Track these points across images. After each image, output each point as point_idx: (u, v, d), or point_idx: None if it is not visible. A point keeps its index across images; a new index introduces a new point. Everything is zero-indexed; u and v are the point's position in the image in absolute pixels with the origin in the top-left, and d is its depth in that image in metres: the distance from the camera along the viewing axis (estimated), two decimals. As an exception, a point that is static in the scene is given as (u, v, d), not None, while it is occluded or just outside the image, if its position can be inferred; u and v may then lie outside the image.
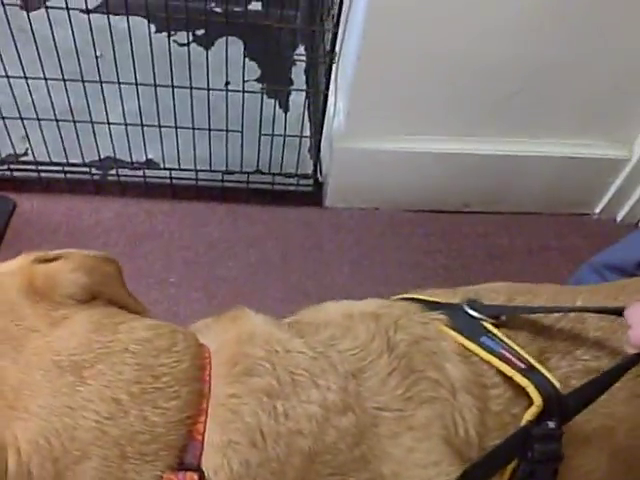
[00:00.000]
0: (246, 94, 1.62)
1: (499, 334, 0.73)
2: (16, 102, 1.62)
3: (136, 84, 1.58)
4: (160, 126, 1.66)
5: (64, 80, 1.57)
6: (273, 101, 1.91)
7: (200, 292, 1.62)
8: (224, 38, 2.01)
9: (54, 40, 1.51)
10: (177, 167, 1.76)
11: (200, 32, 2.09)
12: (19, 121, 1.66)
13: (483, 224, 1.86)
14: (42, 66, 1.55)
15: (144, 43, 1.56)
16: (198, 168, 1.76)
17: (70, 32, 1.50)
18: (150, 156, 1.80)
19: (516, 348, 0.72)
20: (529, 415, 0.67)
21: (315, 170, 1.84)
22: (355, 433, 0.63)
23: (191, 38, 2.03)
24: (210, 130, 1.67)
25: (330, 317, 0.74)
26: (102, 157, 1.77)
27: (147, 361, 0.61)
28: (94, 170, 1.78)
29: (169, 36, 2.00)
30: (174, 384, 0.61)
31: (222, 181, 1.79)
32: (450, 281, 1.74)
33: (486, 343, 0.72)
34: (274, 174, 1.79)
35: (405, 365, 0.68)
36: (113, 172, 1.78)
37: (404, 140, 1.70)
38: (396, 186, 1.81)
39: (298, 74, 2.08)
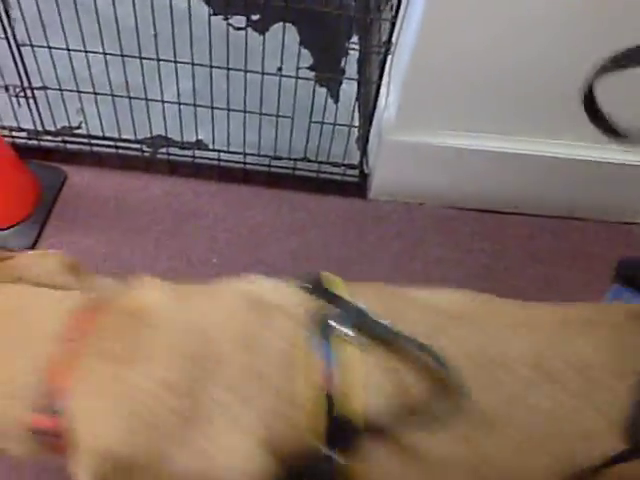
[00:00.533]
0: (298, 81, 1.62)
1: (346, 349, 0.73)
2: (74, 75, 1.66)
3: (192, 64, 1.60)
4: (212, 107, 1.68)
5: (122, 56, 1.60)
6: (324, 90, 1.91)
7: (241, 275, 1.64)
8: (278, 24, 2.01)
9: (116, 16, 1.54)
10: (226, 149, 1.78)
11: (255, 17, 2.10)
12: (75, 94, 1.70)
13: (529, 226, 1.83)
14: (102, 41, 1.57)
15: (201, 25, 1.57)
16: (247, 152, 1.77)
17: (129, 9, 1.53)
18: (200, 137, 1.82)
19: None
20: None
21: (361, 161, 1.84)
22: (181, 419, 0.69)
23: (246, 23, 2.04)
24: (261, 114, 1.68)
25: (230, 296, 0.80)
26: (154, 135, 1.80)
27: (22, 317, 0.74)
28: (145, 147, 1.81)
29: (226, 19, 2.02)
30: (42, 339, 0.72)
31: (269, 166, 1.80)
32: (491, 281, 1.73)
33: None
34: (321, 162, 1.79)
35: (258, 367, 0.71)
36: (163, 150, 1.81)
37: (455, 136, 1.68)
38: (443, 182, 1.80)
39: (350, 64, 2.08)
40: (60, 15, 1.53)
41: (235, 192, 1.80)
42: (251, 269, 1.64)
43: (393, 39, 1.53)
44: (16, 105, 1.74)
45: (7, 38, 1.58)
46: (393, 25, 1.49)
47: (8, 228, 1.65)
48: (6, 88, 1.70)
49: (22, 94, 1.71)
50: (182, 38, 1.56)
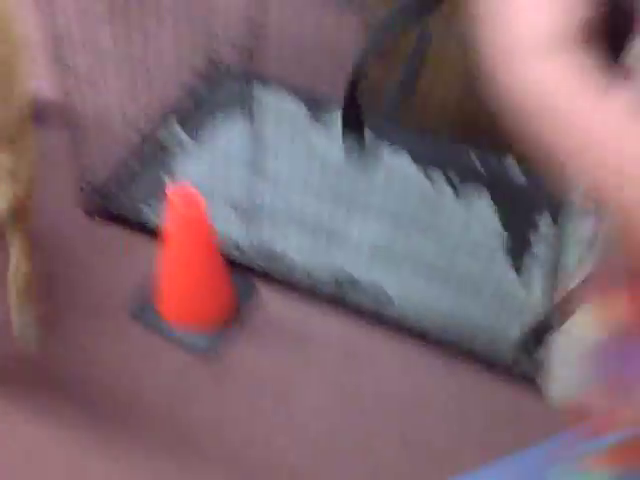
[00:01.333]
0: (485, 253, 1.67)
1: None
2: (288, 209, 1.90)
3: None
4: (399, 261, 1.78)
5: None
6: (510, 261, 1.92)
7: (395, 433, 1.66)
8: (474, 190, 2.03)
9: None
10: (406, 305, 1.83)
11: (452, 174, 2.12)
12: (285, 222, 1.93)
13: None
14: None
15: (406, 180, 1.73)
16: (424, 312, 1.81)
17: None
18: (386, 290, 1.88)
19: None
20: None
21: (536, 351, 1.75)
22: None
23: (444, 179, 2.08)
24: (446, 280, 1.74)
25: None
26: (341, 276, 1.90)
27: None
28: (332, 286, 1.91)
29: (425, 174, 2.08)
30: None
31: (443, 330, 1.81)
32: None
33: None
34: (493, 343, 1.76)
35: None
36: (348, 292, 1.89)
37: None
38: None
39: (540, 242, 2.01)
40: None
41: (402, 348, 1.81)
42: (406, 432, 1.63)
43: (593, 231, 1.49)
44: (234, 221, 1.98)
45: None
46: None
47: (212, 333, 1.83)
48: (234, 207, 1.97)
49: (245, 215, 1.95)
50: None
